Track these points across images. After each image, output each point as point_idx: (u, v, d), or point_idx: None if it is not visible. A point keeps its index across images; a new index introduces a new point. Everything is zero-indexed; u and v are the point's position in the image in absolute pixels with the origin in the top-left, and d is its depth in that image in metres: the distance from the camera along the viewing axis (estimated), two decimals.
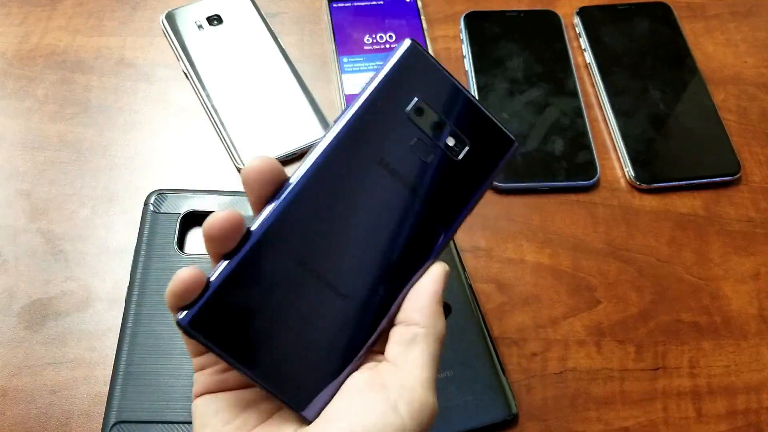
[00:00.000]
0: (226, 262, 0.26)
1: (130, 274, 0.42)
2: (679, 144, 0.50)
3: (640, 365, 0.43)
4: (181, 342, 0.39)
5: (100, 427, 0.38)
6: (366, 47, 0.53)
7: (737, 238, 0.48)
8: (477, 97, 0.49)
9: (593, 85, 0.53)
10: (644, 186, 0.49)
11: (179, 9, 0.54)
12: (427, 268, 0.29)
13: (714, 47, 0.56)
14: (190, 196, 0.45)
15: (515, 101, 0.51)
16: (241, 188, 0.47)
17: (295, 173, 0.27)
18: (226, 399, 0.28)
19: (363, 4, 0.55)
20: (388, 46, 0.53)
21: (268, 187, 0.27)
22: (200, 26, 0.53)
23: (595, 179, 0.49)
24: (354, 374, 0.27)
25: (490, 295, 0.44)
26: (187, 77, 0.52)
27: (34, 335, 0.42)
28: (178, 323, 0.25)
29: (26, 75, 0.52)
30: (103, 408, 0.38)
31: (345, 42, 0.53)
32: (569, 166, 0.49)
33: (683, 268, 0.46)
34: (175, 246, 0.43)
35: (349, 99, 0.50)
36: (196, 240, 0.45)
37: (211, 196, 0.45)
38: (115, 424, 0.37)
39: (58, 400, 0.40)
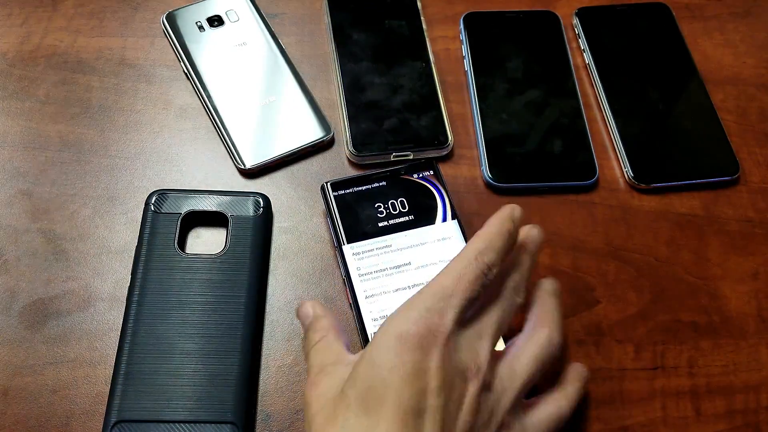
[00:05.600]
0: None
1: (131, 274, 0.42)
2: (677, 144, 0.50)
3: (639, 365, 0.43)
4: (181, 342, 0.40)
5: (101, 426, 0.38)
6: (366, 47, 0.53)
7: (736, 238, 0.48)
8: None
9: (592, 86, 0.54)
10: (643, 186, 0.49)
11: (180, 10, 0.54)
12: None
13: (713, 48, 0.56)
14: (190, 196, 0.45)
15: (515, 101, 0.51)
16: (241, 189, 0.47)
17: None
18: None
19: (363, 4, 0.55)
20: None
21: None
22: (201, 27, 0.53)
23: (594, 179, 0.49)
24: None
25: None
26: (187, 78, 0.52)
27: (34, 335, 0.42)
28: None
29: (27, 76, 0.52)
30: (104, 407, 0.38)
31: (345, 42, 0.53)
32: (568, 167, 0.49)
33: (682, 268, 0.46)
34: (176, 246, 0.43)
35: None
36: (196, 240, 0.45)
37: (212, 196, 0.45)
38: (115, 423, 0.38)
39: (59, 399, 0.40)
